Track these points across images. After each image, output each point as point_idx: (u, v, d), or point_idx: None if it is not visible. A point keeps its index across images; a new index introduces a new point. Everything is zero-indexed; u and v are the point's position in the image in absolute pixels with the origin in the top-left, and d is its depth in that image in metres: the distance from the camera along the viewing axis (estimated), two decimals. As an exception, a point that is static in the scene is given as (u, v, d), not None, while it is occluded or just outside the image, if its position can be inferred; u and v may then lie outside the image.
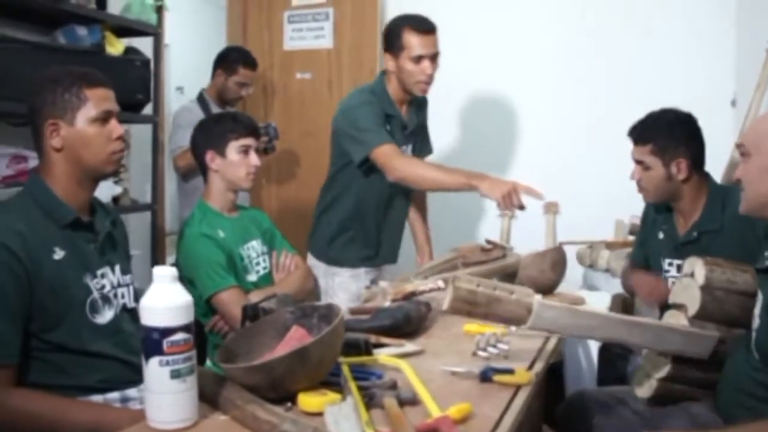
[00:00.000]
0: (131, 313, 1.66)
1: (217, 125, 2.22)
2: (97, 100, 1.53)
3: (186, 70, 4.07)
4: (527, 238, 3.22)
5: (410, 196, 2.70)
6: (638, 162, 2.07)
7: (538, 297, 1.33)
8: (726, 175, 2.57)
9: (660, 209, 2.18)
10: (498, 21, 3.44)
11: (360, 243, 2.54)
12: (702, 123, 3.00)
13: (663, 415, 1.60)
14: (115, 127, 1.56)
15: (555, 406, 1.91)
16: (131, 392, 1.57)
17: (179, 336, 1.13)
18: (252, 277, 2.23)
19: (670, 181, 2.03)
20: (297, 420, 1.11)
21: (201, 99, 3.28)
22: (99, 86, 1.54)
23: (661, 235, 2.17)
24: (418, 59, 2.36)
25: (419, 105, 2.63)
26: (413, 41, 2.36)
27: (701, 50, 3.13)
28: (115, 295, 1.61)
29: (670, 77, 3.16)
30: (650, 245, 2.21)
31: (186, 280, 2.03)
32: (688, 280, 1.51)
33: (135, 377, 1.59)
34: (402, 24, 2.40)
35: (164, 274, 1.15)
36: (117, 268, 1.64)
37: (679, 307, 1.52)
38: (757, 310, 1.40)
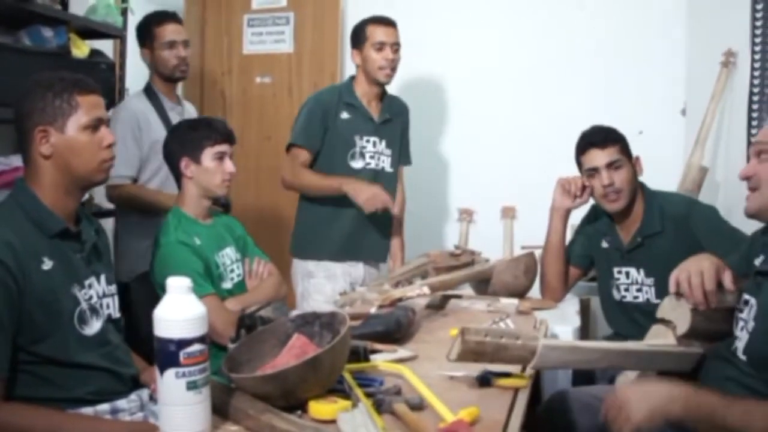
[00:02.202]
0: (115, 324, 1.64)
1: (192, 132, 2.19)
2: (88, 107, 1.50)
3: (135, 75, 3.94)
4: (486, 241, 3.31)
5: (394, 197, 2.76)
6: (611, 164, 2.14)
7: (542, 340, 1.39)
8: (684, 183, 2.69)
9: (602, 218, 2.27)
10: (456, 25, 3.50)
11: (341, 234, 2.63)
12: (654, 130, 3.18)
13: None
14: (106, 135, 1.54)
15: (531, 408, 1.96)
16: (121, 403, 1.54)
17: (195, 347, 1.13)
18: (227, 285, 2.20)
19: (635, 179, 2.15)
20: (319, 428, 1.12)
21: (148, 89, 2.70)
22: (90, 93, 1.51)
23: (605, 245, 2.27)
24: (380, 46, 2.62)
25: (394, 107, 2.78)
26: (375, 31, 2.64)
27: (653, 60, 3.26)
28: (101, 306, 1.58)
29: (624, 86, 3.29)
30: (596, 253, 2.31)
31: (161, 288, 2.00)
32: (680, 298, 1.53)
33: (123, 388, 1.58)
34: (365, 20, 2.71)
35: (179, 285, 1.14)
36: (102, 278, 1.61)
37: (667, 323, 1.56)
38: (745, 315, 1.42)
